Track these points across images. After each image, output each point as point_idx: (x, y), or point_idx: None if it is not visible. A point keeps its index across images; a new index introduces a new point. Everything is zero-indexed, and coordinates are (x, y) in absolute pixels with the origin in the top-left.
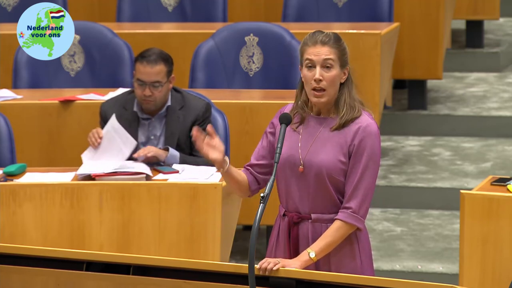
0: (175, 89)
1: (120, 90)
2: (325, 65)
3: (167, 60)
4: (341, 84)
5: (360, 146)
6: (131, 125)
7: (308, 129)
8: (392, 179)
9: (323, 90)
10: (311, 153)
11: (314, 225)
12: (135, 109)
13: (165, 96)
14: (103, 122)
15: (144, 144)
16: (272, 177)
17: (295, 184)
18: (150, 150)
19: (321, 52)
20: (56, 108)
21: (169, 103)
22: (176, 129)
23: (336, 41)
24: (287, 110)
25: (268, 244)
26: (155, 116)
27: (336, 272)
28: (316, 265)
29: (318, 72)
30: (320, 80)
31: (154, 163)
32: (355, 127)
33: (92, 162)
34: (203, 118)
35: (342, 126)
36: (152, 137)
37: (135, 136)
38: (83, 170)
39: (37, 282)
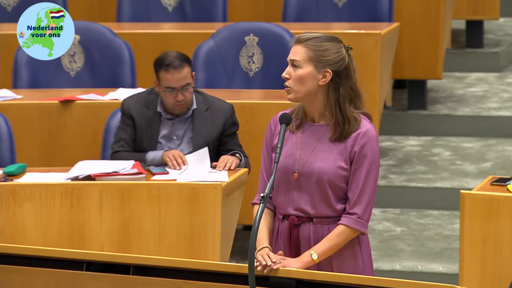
0: (196, 91)
1: (120, 90)
2: (293, 64)
3: (188, 60)
4: (329, 89)
5: (361, 152)
6: (153, 123)
7: (306, 137)
8: (392, 179)
9: (289, 87)
10: (311, 160)
11: (316, 227)
12: (158, 109)
13: (192, 94)
14: (127, 117)
15: (165, 143)
16: (272, 177)
17: (293, 190)
18: (228, 161)
19: (292, 51)
20: (56, 108)
21: (194, 105)
22: (205, 129)
23: (318, 41)
24: (277, 119)
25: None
26: (179, 117)
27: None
28: (318, 266)
29: (286, 70)
30: (287, 78)
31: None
32: (355, 133)
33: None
34: (232, 121)
35: (343, 137)
36: (175, 137)
37: (156, 134)
38: (73, 172)
39: (37, 282)
